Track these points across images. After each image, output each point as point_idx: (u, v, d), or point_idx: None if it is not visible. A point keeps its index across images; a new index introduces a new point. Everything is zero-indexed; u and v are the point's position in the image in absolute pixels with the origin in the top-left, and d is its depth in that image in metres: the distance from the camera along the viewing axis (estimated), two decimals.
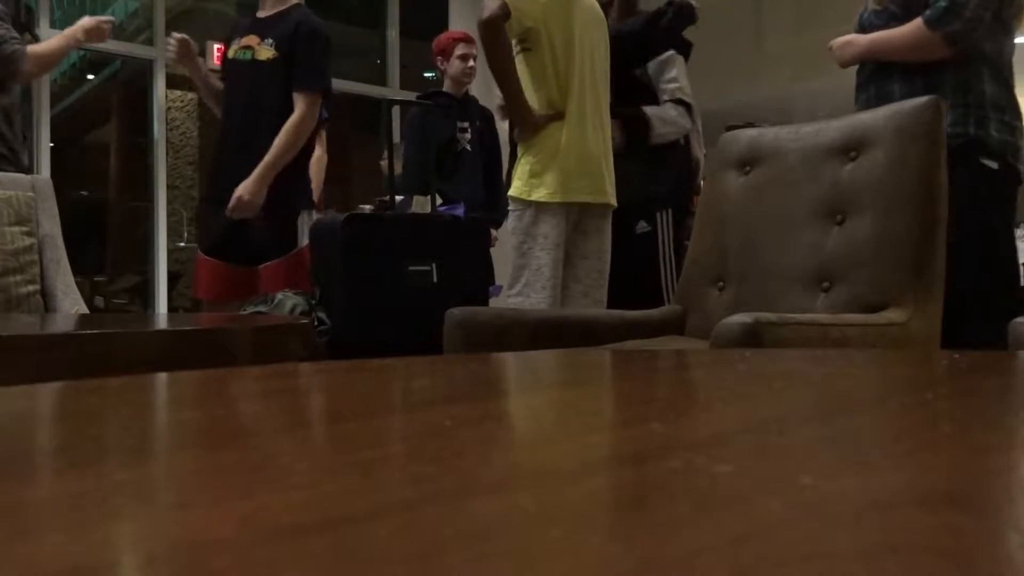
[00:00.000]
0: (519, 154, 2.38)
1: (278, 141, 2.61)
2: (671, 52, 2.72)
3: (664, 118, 2.67)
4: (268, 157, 2.59)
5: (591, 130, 2.39)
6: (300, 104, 2.67)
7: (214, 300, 2.75)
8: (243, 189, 2.56)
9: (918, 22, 2.12)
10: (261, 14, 2.73)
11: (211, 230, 2.72)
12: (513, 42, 2.31)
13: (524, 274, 2.30)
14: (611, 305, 2.44)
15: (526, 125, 2.33)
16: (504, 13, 2.20)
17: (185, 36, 2.62)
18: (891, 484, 0.29)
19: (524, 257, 2.31)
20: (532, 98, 2.33)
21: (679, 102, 2.70)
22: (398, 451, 0.37)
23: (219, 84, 2.75)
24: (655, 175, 2.70)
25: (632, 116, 2.68)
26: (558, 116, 2.32)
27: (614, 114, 2.56)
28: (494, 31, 2.22)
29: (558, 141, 2.32)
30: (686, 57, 2.81)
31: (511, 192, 2.36)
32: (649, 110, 2.68)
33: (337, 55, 2.96)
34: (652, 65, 2.73)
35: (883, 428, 0.42)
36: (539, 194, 2.30)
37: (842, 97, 2.37)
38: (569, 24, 2.35)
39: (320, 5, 6.46)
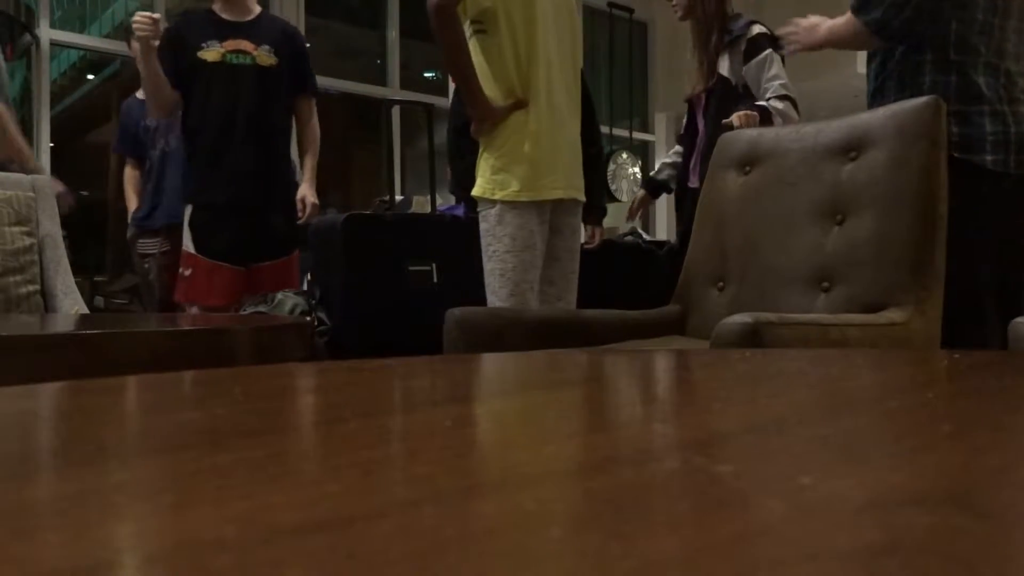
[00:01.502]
0: (480, 150, 2.17)
1: (315, 148, 2.78)
2: (768, 51, 2.64)
3: (779, 111, 2.58)
4: (312, 162, 2.76)
5: (561, 119, 2.17)
6: (312, 108, 2.80)
7: (228, 305, 2.74)
8: (311, 195, 2.70)
9: (848, 12, 2.00)
10: (233, 17, 2.70)
11: (226, 235, 2.69)
12: (466, 25, 2.09)
13: (491, 279, 2.11)
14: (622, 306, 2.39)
15: (486, 117, 2.09)
16: None
17: (160, 16, 2.52)
18: (891, 484, 0.29)
19: (491, 261, 2.11)
20: (489, 87, 2.10)
21: (783, 98, 2.62)
22: (398, 451, 0.37)
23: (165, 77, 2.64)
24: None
25: (761, 108, 2.59)
26: (519, 105, 2.10)
27: (751, 107, 2.52)
28: (448, 14, 1.98)
29: (524, 133, 2.10)
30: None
31: (474, 192, 2.16)
32: (769, 105, 2.60)
33: (337, 55, 3.00)
34: (751, 66, 2.66)
35: (883, 428, 0.42)
36: (504, 192, 2.09)
37: (842, 97, 2.37)
38: (531, 3, 2.10)
39: (320, 5, 6.47)
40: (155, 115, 2.80)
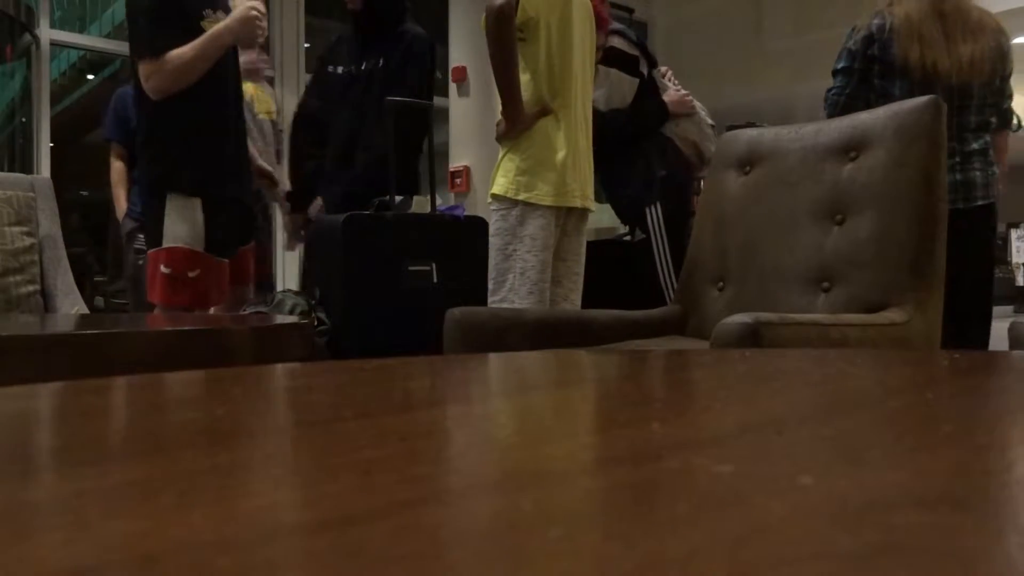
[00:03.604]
0: (503, 150, 2.23)
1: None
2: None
3: None
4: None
5: (582, 129, 2.27)
6: None
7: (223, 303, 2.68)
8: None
9: None
10: None
11: (223, 230, 2.41)
12: None
13: (508, 277, 2.16)
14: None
15: (518, 124, 2.16)
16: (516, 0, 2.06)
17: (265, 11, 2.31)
18: (891, 484, 0.29)
19: (509, 260, 2.16)
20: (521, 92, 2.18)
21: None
22: (398, 451, 0.37)
23: None
24: (624, 180, 2.70)
25: None
26: (544, 112, 2.18)
27: None
28: (508, 19, 2.06)
29: (552, 139, 2.18)
30: (640, 63, 2.75)
31: (494, 190, 2.20)
32: None
33: None
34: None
35: (883, 428, 0.42)
36: (531, 194, 2.15)
37: None
38: (567, 16, 2.21)
39: (320, 5, 6.47)
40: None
